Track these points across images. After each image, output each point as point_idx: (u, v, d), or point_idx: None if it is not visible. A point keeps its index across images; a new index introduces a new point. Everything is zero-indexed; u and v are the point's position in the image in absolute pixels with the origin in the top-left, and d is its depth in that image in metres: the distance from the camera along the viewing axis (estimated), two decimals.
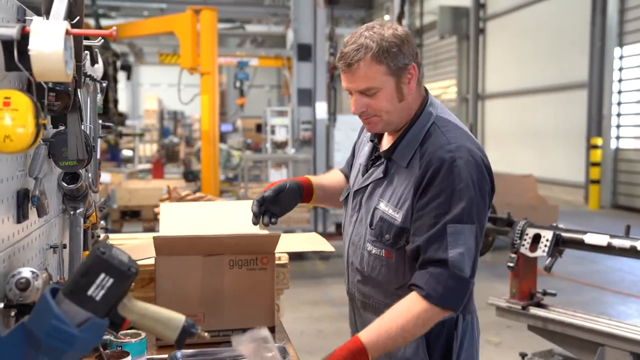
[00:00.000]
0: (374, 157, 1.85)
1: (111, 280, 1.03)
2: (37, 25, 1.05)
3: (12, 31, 1.05)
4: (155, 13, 16.90)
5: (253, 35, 21.65)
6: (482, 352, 4.95)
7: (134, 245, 2.39)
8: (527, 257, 3.26)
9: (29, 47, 1.04)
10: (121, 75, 11.89)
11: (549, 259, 3.17)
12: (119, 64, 10.84)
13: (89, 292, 1.02)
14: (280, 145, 13.11)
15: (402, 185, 1.73)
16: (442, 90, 19.33)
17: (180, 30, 7.91)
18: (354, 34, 1.69)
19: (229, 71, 18.67)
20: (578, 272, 7.08)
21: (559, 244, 3.18)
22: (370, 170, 1.84)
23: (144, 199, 7.06)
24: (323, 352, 1.90)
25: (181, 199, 3.99)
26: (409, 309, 1.62)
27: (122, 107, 24.33)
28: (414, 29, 18.62)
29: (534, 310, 3.30)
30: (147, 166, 12.86)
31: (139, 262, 2.19)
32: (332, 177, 2.13)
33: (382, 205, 1.76)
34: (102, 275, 1.03)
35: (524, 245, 3.26)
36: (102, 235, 2.32)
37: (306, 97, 10.19)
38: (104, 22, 12.82)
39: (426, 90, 1.80)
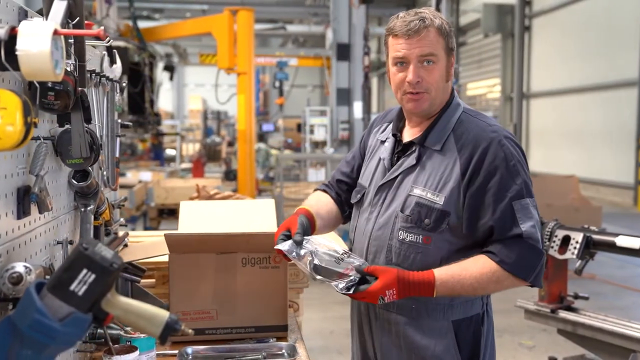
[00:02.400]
0: (402, 148, 1.88)
1: (93, 276, 1.05)
2: (25, 26, 1.08)
3: (0, 32, 1.08)
4: (196, 14, 17.16)
5: (294, 36, 21.76)
6: (515, 356, 4.84)
7: (150, 243, 2.43)
8: (557, 259, 3.18)
9: (17, 47, 1.06)
10: (165, 76, 12.13)
11: (579, 261, 3.08)
12: (161, 65, 11.03)
13: (72, 287, 1.04)
14: (319, 145, 13.15)
15: (440, 169, 1.77)
16: (487, 89, 18.96)
17: (217, 30, 8.00)
18: (410, 11, 1.80)
19: (271, 71, 18.81)
20: (620, 276, 6.85)
21: (590, 246, 3.07)
22: (400, 161, 1.86)
23: (180, 197, 7.10)
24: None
25: (210, 197, 4.03)
26: (484, 265, 1.69)
27: (168, 107, 24.84)
28: (456, 27, 18.32)
29: (563, 314, 3.21)
30: (189, 165, 13.05)
31: (158, 259, 2.24)
32: (323, 203, 2.05)
33: (418, 191, 1.78)
34: (85, 271, 1.04)
35: (553, 247, 3.17)
36: (121, 233, 2.36)
37: (344, 97, 10.19)
38: (146, 23, 13.06)
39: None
